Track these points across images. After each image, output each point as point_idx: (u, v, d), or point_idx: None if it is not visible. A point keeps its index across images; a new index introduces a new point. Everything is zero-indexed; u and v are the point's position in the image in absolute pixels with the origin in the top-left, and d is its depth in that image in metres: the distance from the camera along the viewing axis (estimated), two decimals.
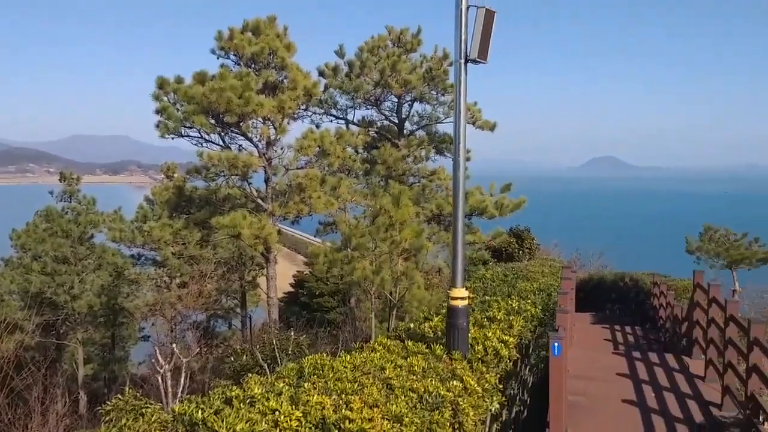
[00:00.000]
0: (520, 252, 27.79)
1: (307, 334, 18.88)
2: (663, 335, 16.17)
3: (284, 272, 40.56)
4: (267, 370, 11.22)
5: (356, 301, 25.40)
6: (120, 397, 9.54)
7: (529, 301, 10.64)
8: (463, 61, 6.90)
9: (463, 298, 6.95)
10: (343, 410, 4.54)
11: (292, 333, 14.30)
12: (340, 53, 25.38)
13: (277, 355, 12.63)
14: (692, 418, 9.53)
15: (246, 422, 4.05)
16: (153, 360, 13.79)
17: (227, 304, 30.93)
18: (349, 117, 26.52)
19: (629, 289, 22.41)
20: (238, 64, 20.50)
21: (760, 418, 8.25)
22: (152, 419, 4.26)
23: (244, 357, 13.67)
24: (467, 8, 6.78)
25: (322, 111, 25.73)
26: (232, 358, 14.27)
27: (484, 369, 6.72)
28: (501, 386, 7.58)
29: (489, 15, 6.73)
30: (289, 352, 12.86)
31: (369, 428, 4.43)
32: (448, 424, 5.60)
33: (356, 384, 5.17)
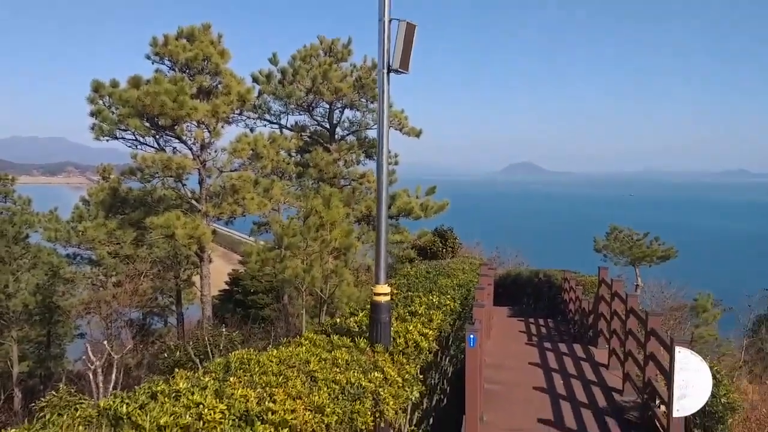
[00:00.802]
0: (444, 250, 28.11)
1: (241, 330, 18.65)
2: (572, 327, 16.59)
3: (220, 270, 39.91)
4: (198, 365, 11.02)
5: (289, 298, 25.22)
6: (54, 393, 9.22)
7: (449, 296, 10.75)
8: (386, 70, 6.91)
9: (385, 294, 6.97)
10: (267, 402, 4.48)
11: (224, 329, 14.10)
12: (273, 61, 25.15)
13: (209, 351, 12.43)
14: (596, 402, 9.82)
15: (170, 416, 3.94)
16: (84, 357, 13.39)
17: (163, 302, 30.29)
18: (283, 122, 26.34)
19: (543, 285, 22.93)
20: (173, 70, 20.09)
21: (656, 401, 8.56)
22: (77, 414, 4.11)
23: (178, 353, 13.40)
24: (389, 21, 6.79)
25: (256, 116, 25.46)
26: (166, 354, 13.97)
27: (405, 360, 6.74)
28: (422, 376, 7.63)
29: (410, 28, 6.77)
30: (221, 348, 12.67)
31: (291, 419, 4.39)
32: (369, 413, 5.60)
33: (281, 377, 5.11)
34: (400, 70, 6.82)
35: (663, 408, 7.88)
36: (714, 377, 7.44)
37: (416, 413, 8.20)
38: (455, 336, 10.50)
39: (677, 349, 7.19)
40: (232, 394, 4.48)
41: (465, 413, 7.72)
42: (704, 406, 7.31)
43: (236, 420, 4.17)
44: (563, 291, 19.07)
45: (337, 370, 5.69)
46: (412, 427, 8.01)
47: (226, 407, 4.23)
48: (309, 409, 4.69)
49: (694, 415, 7.43)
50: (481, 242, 39.03)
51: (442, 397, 10.09)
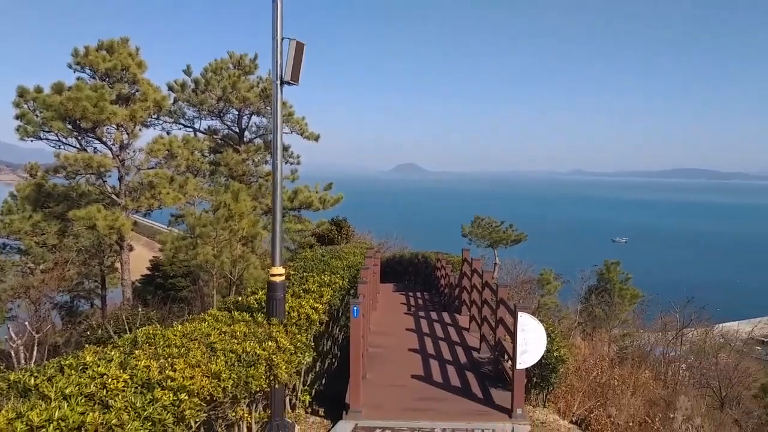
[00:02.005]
0: (340, 237, 28.13)
1: (161, 310, 17.94)
2: (442, 298, 17.02)
3: (143, 257, 38.21)
4: (116, 342, 10.52)
5: (204, 281, 24.51)
6: None
7: (339, 275, 10.77)
8: (279, 82, 6.83)
9: (280, 275, 6.90)
10: (168, 371, 4.33)
11: (140, 309, 13.51)
12: (187, 72, 24.30)
13: (128, 329, 11.88)
14: (459, 359, 10.14)
15: (75, 386, 3.74)
16: (6, 338, 12.50)
17: (88, 286, 28.65)
18: (197, 126, 25.52)
19: (421, 264, 23.39)
20: (94, 78, 19.02)
21: (505, 357, 8.94)
22: None
23: (99, 331, 12.70)
24: (281, 40, 6.72)
25: (172, 120, 24.54)
26: (88, 333, 13.22)
27: (297, 331, 6.71)
28: (313, 344, 7.63)
29: (299, 46, 6.73)
30: (138, 326, 12.13)
31: (189, 385, 4.27)
32: (264, 377, 5.54)
33: (183, 349, 4.96)
34: (291, 82, 6.77)
35: (509, 362, 8.23)
36: (548, 336, 7.83)
37: (309, 375, 8.19)
38: (344, 309, 10.54)
39: (519, 314, 7.53)
40: (136, 365, 4.30)
41: (350, 373, 7.78)
42: (540, 359, 7.69)
43: (138, 387, 4.01)
44: (436, 269, 19.53)
45: (235, 341, 5.58)
46: (305, 387, 8.00)
47: (129, 377, 4.06)
48: (206, 376, 4.58)
49: (533, 366, 7.80)
50: (371, 230, 39.31)
51: (333, 360, 10.12)
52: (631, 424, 9.11)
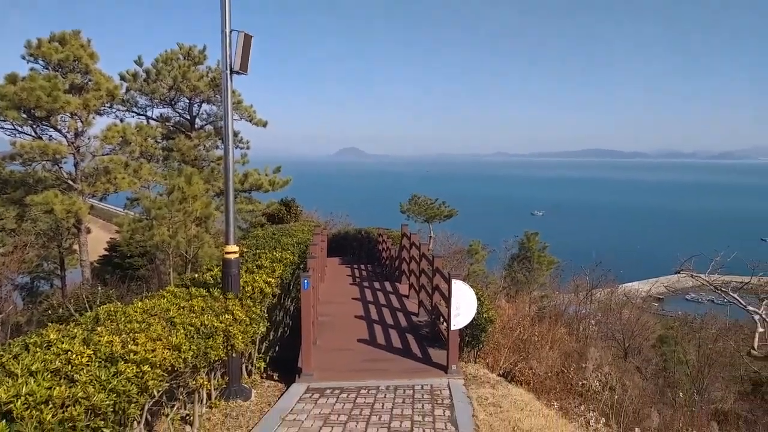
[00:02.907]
0: (289, 216, 27.80)
1: (119, 288, 17.33)
2: (384, 269, 17.15)
3: (101, 239, 36.66)
4: (79, 320, 10.11)
5: (161, 260, 23.79)
6: None
7: (290, 251, 10.67)
8: (228, 72, 6.64)
9: (234, 253, 6.78)
10: (130, 345, 4.20)
11: (100, 288, 13.00)
12: (138, 62, 23.21)
13: (88, 307, 11.43)
14: (400, 323, 10.26)
15: (41, 362, 3.58)
16: None
17: (48, 268, 27.34)
18: (149, 114, 24.48)
19: (364, 239, 23.43)
20: (47, 69, 17.89)
21: (441, 320, 9.11)
22: None
23: (60, 310, 12.16)
24: (230, 32, 6.52)
25: (125, 108, 23.44)
26: (50, 312, 12.64)
27: (252, 304, 6.62)
28: (267, 315, 7.56)
29: (247, 38, 6.55)
30: (98, 304, 11.69)
31: (151, 357, 4.16)
32: (221, 347, 5.46)
33: (144, 324, 4.82)
34: (240, 72, 6.60)
35: (445, 324, 8.40)
36: (478, 300, 8.00)
37: (264, 344, 8.12)
38: (295, 282, 10.46)
39: (453, 281, 7.66)
40: (99, 341, 4.16)
41: (302, 340, 7.76)
42: (472, 321, 7.87)
43: (102, 362, 3.88)
44: (378, 243, 19.63)
45: (194, 315, 5.47)
46: (260, 355, 7.94)
47: (92, 352, 3.92)
48: (168, 348, 4.47)
49: (465, 327, 7.97)
50: (318, 209, 39.03)
51: (285, 329, 10.06)
52: (549, 374, 9.47)
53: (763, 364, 13.81)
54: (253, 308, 6.57)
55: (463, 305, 7.60)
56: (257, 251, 10.37)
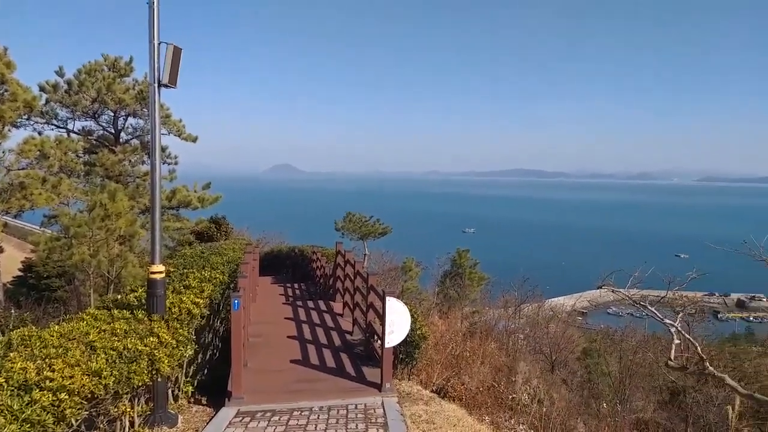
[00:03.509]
0: (219, 234, 27.05)
1: (35, 311, 16.21)
2: (318, 288, 16.98)
3: (15, 258, 34.31)
4: None
5: (80, 280, 22.49)
6: None
7: (219, 270, 10.39)
8: (156, 85, 6.45)
9: (160, 272, 6.53)
10: (46, 372, 3.95)
11: (13, 311, 12.12)
12: (60, 73, 22.08)
13: (0, 332, 10.62)
14: (334, 342, 10.16)
15: None
16: None
17: None
18: (70, 126, 23.21)
19: (298, 257, 23.16)
20: None
21: (375, 338, 9.11)
22: None
23: None
24: (159, 44, 6.35)
25: (44, 121, 22.16)
26: None
27: (179, 326, 6.39)
28: (195, 337, 7.30)
29: (177, 51, 6.39)
30: (11, 328, 10.89)
31: (69, 384, 3.93)
32: (146, 371, 5.23)
33: (61, 349, 4.55)
34: (169, 85, 6.43)
35: (379, 342, 8.40)
36: (412, 317, 8.08)
37: (192, 367, 7.83)
38: (225, 302, 10.17)
39: (387, 298, 7.69)
40: (12, 367, 3.88)
41: (232, 362, 7.53)
42: (406, 338, 7.92)
43: (15, 390, 3.62)
44: (312, 261, 19.43)
45: (116, 338, 5.21)
46: (188, 379, 7.64)
47: (4, 380, 3.65)
48: (87, 374, 4.23)
49: (399, 344, 8.01)
50: (250, 227, 38.25)
51: (215, 351, 9.74)
52: (481, 389, 9.65)
53: (680, 374, 14.64)
54: (180, 330, 6.34)
55: (397, 322, 7.64)
56: (185, 271, 10.02)
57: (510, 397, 9.95)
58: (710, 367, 3.24)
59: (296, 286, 17.93)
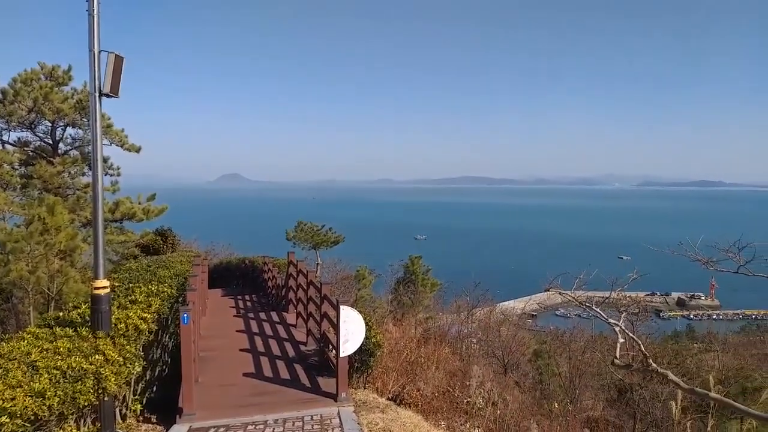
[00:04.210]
0: (165, 247, 26.30)
1: None
2: (270, 299, 16.74)
3: None
4: None
5: (18, 297, 21.36)
6: None
7: (167, 284, 10.10)
8: (97, 94, 6.27)
9: (104, 288, 6.30)
10: None
11: None
12: None
13: None
14: (288, 354, 10.05)
15: None
16: None
17: None
18: (5, 138, 22.13)
19: (248, 268, 22.79)
20: None
21: (329, 347, 9.06)
22: None
23: None
24: (99, 52, 6.17)
25: None
26: None
27: (125, 342, 6.18)
28: (143, 353, 7.08)
29: (118, 59, 6.23)
30: None
31: (10, 406, 3.75)
32: (92, 390, 5.03)
33: (1, 370, 4.33)
34: (110, 94, 6.26)
35: (334, 352, 8.36)
36: (366, 325, 8.09)
37: (140, 384, 7.58)
38: (173, 317, 9.90)
39: (341, 307, 7.68)
40: None
41: (182, 378, 7.34)
42: (360, 346, 7.91)
43: None
44: (263, 272, 19.16)
45: (59, 357, 5.00)
46: (136, 396, 7.39)
47: None
48: (30, 395, 4.05)
49: (354, 353, 8.00)
50: (198, 238, 37.37)
51: (164, 367, 9.46)
52: (436, 394, 9.75)
53: (626, 372, 15.18)
54: (127, 347, 6.14)
55: (352, 331, 7.63)
56: (131, 285, 9.70)
57: (465, 401, 10.09)
58: (654, 364, 3.40)
59: (248, 297, 17.64)
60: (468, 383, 11.22)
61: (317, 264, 28.67)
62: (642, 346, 3.52)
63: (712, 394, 3.08)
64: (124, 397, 7.12)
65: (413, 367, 11.03)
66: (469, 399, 10.19)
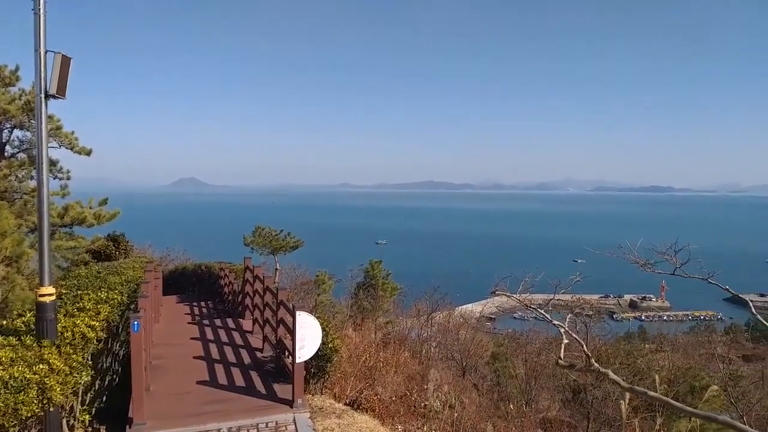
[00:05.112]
0: (117, 253, 25.55)
1: None
2: (226, 306, 16.49)
3: None
4: None
5: None
6: None
7: (117, 291, 9.82)
8: (43, 95, 6.08)
9: (50, 295, 6.09)
10: None
11: None
12: None
13: None
14: (244, 361, 9.92)
15: None
16: None
17: None
18: None
19: (204, 274, 22.38)
20: None
21: (286, 354, 8.99)
22: None
23: None
24: (45, 53, 5.99)
25: None
26: None
27: (72, 351, 5.98)
28: (92, 362, 6.88)
29: (65, 60, 6.06)
30: None
31: None
32: (35, 401, 4.86)
33: None
34: (57, 95, 6.08)
35: (290, 358, 8.30)
36: (323, 330, 8.06)
37: (89, 394, 7.35)
38: (124, 324, 9.64)
39: (297, 313, 7.64)
40: None
41: (132, 387, 7.15)
42: (317, 352, 7.89)
43: None
44: (220, 278, 18.84)
45: (0, 367, 4.80)
46: (84, 407, 7.17)
47: None
48: None
49: (311, 358, 7.96)
50: (153, 244, 36.47)
51: (114, 377, 9.20)
52: (394, 398, 9.78)
53: (580, 373, 15.56)
54: (74, 356, 5.95)
55: (308, 337, 7.60)
56: (79, 292, 9.39)
57: (422, 404, 10.16)
58: (595, 364, 3.52)
59: (203, 304, 17.31)
60: (426, 387, 11.30)
61: (276, 269, 28.37)
62: (585, 346, 3.64)
63: (650, 393, 3.21)
64: (72, 407, 6.89)
65: (372, 371, 11.04)
66: (426, 403, 10.26)
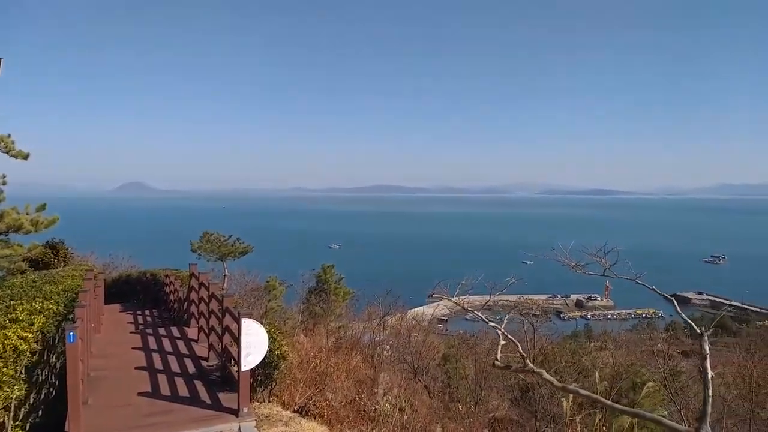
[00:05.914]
0: (56, 261, 24.48)
1: None
2: (171, 313, 16.05)
3: None
4: None
5: None
6: None
7: (53, 300, 9.41)
8: None
9: None
10: None
11: None
12: None
13: None
14: (188, 370, 9.67)
15: None
16: None
17: None
18: None
19: (149, 282, 21.71)
20: None
21: (231, 362, 8.82)
22: None
23: None
24: None
25: None
26: None
27: (2, 364, 5.71)
28: (26, 376, 6.56)
29: None
30: None
31: None
32: None
33: None
34: None
35: (236, 366, 8.15)
36: (270, 336, 7.96)
37: (23, 409, 7.00)
38: (61, 335, 9.24)
39: (243, 320, 7.51)
40: None
41: (68, 400, 6.86)
42: (264, 359, 7.77)
43: None
44: (165, 285, 18.33)
45: None
46: (17, 423, 6.82)
47: None
48: None
49: (257, 366, 7.84)
50: (95, 251, 35.14)
51: (51, 390, 8.80)
52: (344, 403, 9.74)
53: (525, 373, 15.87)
54: (5, 369, 5.68)
55: (254, 344, 7.48)
56: (12, 303, 8.95)
57: (373, 408, 10.15)
58: (530, 364, 3.61)
59: (148, 313, 16.81)
60: (376, 390, 11.31)
61: (224, 276, 27.82)
62: (520, 347, 3.73)
63: (581, 391, 3.32)
64: (3, 422, 6.55)
65: (322, 377, 10.97)
66: (376, 406, 10.26)
